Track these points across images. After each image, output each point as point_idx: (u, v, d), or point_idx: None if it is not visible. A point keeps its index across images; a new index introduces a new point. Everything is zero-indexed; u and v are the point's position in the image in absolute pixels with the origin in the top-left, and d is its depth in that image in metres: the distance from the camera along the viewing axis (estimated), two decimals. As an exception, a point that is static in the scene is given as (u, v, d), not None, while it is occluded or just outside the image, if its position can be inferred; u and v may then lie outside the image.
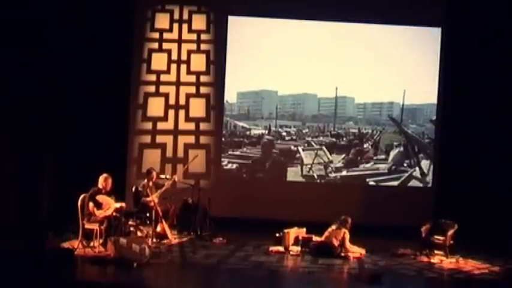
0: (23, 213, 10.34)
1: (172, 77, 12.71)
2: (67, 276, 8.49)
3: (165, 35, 12.74)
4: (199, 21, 12.76)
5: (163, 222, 10.58)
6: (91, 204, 9.74)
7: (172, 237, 10.79)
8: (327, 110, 12.95)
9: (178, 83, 12.72)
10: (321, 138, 12.86)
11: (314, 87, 12.92)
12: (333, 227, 10.32)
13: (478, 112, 12.03)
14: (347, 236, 10.21)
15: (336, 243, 10.19)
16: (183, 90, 12.73)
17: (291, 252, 10.32)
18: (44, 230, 10.02)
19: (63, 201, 10.34)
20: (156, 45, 12.74)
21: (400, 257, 10.39)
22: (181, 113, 12.71)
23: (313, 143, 12.82)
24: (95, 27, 11.70)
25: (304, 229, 10.80)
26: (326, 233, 10.32)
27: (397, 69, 12.57)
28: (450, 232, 10.33)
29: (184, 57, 12.72)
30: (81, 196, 9.76)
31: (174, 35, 12.73)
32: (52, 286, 8.12)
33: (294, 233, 10.68)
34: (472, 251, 10.65)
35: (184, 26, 12.74)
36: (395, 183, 12.73)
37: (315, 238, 10.46)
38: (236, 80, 12.75)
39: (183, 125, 12.71)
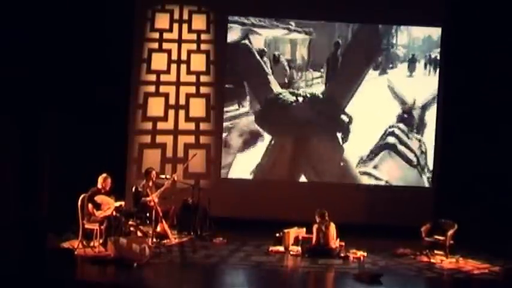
0: (23, 213, 10.34)
1: (172, 77, 12.70)
2: (67, 276, 8.49)
3: (165, 35, 12.73)
4: (199, 21, 12.75)
5: (163, 222, 10.58)
6: (90, 205, 9.75)
7: (172, 237, 10.79)
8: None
9: (178, 83, 12.71)
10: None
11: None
12: (321, 227, 10.24)
13: (479, 112, 12.03)
14: (334, 229, 10.28)
15: (333, 244, 10.20)
16: (183, 90, 12.72)
17: (291, 252, 10.33)
18: (44, 230, 10.02)
19: (63, 201, 10.35)
20: (156, 45, 12.73)
21: (400, 257, 10.40)
22: (181, 113, 12.70)
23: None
24: (95, 27, 11.69)
25: (304, 229, 10.80)
26: (320, 238, 10.26)
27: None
28: (450, 232, 10.33)
29: (184, 57, 12.71)
30: (81, 196, 9.77)
31: (174, 35, 12.72)
32: (52, 286, 8.13)
33: (294, 233, 10.69)
34: (472, 251, 10.65)
35: (184, 26, 12.73)
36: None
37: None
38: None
39: (183, 125, 12.70)
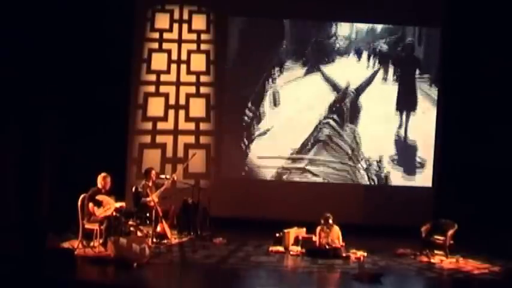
0: (23, 213, 10.34)
1: (172, 77, 12.71)
2: (67, 276, 8.49)
3: (165, 35, 12.73)
4: (199, 21, 12.76)
5: (163, 222, 10.58)
6: (91, 204, 9.73)
7: (172, 237, 10.79)
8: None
9: (178, 83, 12.72)
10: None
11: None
12: (326, 229, 10.28)
13: (478, 112, 12.03)
14: (339, 232, 10.32)
15: (338, 244, 10.23)
16: (183, 90, 12.73)
17: (291, 252, 10.33)
18: (44, 230, 10.02)
19: (63, 201, 10.35)
20: (156, 45, 12.74)
21: (400, 257, 10.40)
22: (181, 113, 12.71)
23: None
24: (95, 28, 11.69)
25: (304, 229, 10.80)
26: (323, 239, 10.28)
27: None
28: (450, 232, 10.33)
29: (184, 57, 12.72)
30: (81, 196, 9.76)
31: (174, 35, 12.73)
32: (52, 286, 8.13)
33: (294, 233, 10.68)
34: (472, 251, 10.65)
35: (184, 26, 12.74)
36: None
37: (315, 238, 10.44)
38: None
39: (183, 125, 12.71)
